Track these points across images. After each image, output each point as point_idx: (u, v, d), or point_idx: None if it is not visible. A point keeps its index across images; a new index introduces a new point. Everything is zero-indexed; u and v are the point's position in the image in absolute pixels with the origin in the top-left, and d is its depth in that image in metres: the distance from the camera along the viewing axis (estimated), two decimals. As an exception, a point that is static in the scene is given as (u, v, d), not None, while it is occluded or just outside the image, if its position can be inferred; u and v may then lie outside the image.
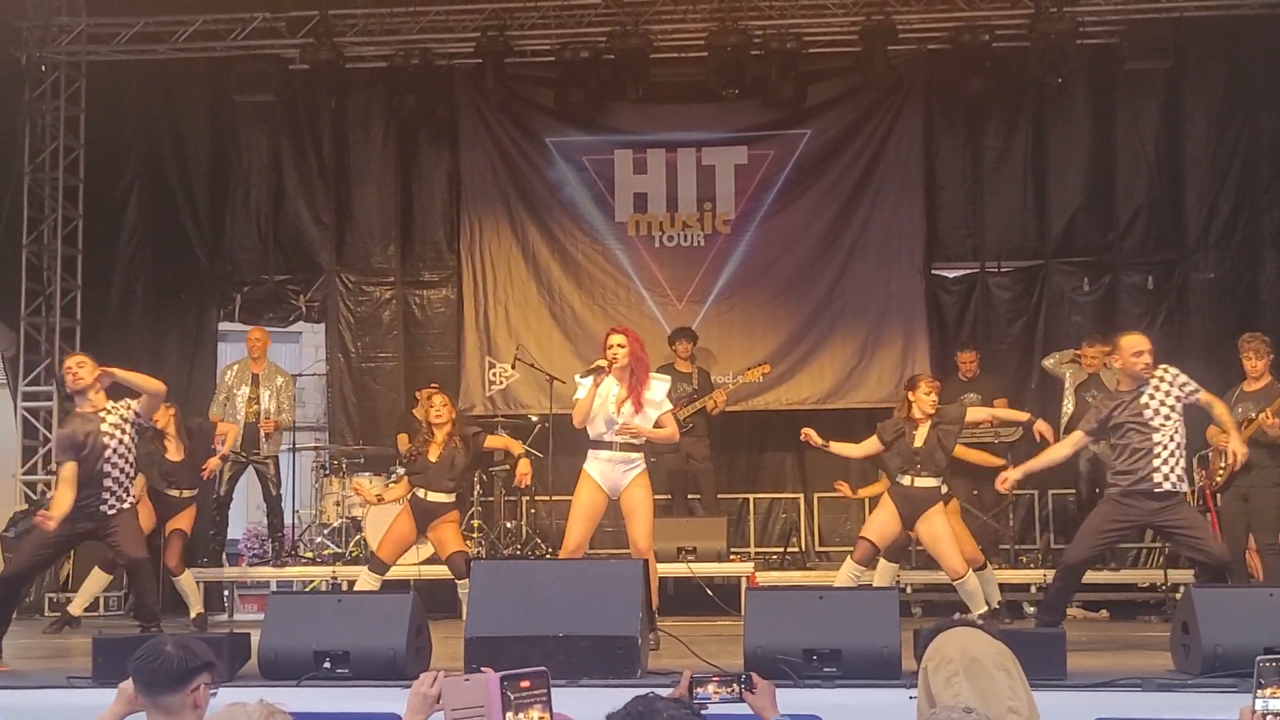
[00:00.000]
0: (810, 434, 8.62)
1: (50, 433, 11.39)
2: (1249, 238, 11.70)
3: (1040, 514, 11.38)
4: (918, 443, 8.14)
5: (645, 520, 7.48)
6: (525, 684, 3.13)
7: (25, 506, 10.93)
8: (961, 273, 12.23)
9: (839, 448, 8.68)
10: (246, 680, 6.01)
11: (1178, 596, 8.05)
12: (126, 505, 7.58)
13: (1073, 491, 10.75)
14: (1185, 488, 7.27)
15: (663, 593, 8.33)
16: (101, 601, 10.48)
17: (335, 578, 10.49)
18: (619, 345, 7.45)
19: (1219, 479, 8.79)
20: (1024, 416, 8.62)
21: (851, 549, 8.44)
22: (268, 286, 12.61)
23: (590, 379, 7.47)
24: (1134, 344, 7.28)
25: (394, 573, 8.91)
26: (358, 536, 10.78)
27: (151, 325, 12.45)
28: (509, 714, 3.08)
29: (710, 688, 3.67)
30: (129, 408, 7.51)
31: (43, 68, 11.97)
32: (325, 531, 11.19)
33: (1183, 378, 7.23)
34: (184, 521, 9.43)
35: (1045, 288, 11.99)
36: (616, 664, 5.86)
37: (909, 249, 11.90)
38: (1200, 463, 9.27)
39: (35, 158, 11.94)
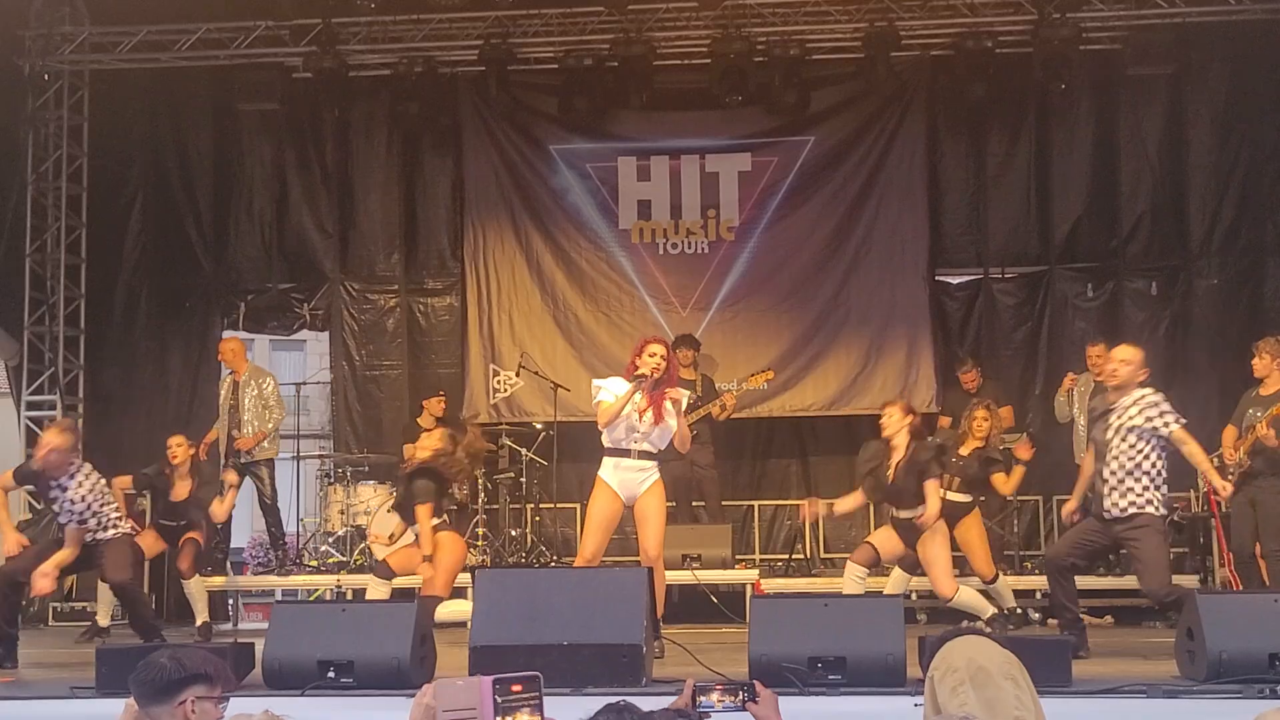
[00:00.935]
0: (813, 510, 8.67)
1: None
2: (1252, 243, 11.70)
3: (1044, 520, 11.37)
4: (891, 475, 7.96)
5: (658, 528, 7.47)
6: (517, 688, 3.15)
7: (29, 516, 10.91)
8: (965, 279, 12.25)
9: (842, 505, 8.52)
10: (251, 690, 5.99)
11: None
12: (109, 535, 7.91)
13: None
14: (1152, 511, 7.00)
15: (667, 600, 8.31)
16: (119, 611, 10.48)
17: (340, 586, 10.48)
18: (661, 356, 7.38)
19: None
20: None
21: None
22: (272, 295, 12.62)
23: (628, 385, 7.35)
24: (1116, 353, 7.23)
25: (402, 583, 8.85)
26: (362, 545, 10.77)
27: (155, 334, 12.47)
28: (499, 718, 3.09)
29: (713, 696, 3.67)
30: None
31: (46, 76, 11.98)
32: (330, 540, 11.18)
33: (1161, 406, 7.02)
34: (197, 532, 9.51)
35: (1049, 294, 11.99)
36: (621, 672, 5.84)
37: (913, 255, 11.90)
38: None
39: (39, 166, 11.96)
